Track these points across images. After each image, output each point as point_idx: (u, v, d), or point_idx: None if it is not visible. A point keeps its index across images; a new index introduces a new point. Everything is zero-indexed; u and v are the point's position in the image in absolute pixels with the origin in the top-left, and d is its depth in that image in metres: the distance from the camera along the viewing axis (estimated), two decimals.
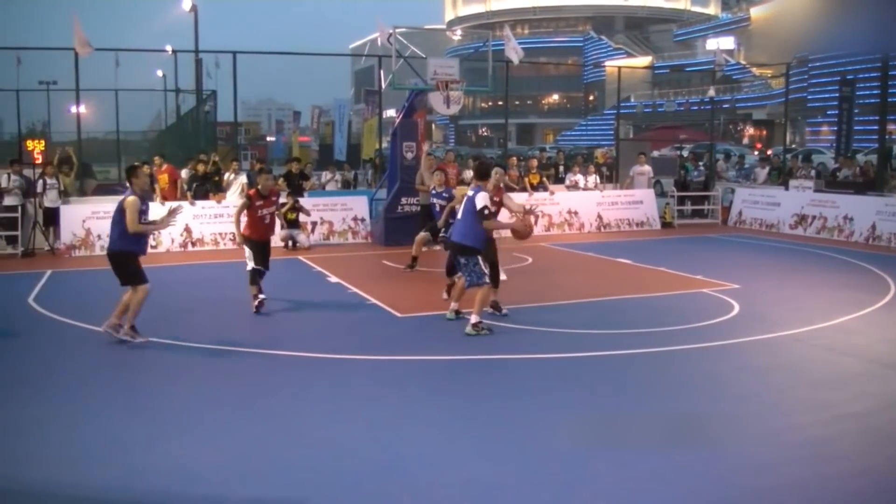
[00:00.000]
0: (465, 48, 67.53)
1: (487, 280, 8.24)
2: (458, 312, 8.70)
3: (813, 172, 20.64)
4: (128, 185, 8.05)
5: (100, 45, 14.87)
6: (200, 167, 15.85)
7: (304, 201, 15.29)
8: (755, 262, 13.26)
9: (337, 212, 15.91)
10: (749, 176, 23.53)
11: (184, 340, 7.86)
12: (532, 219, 8.74)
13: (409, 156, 15.18)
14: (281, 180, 15.02)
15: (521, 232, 8.56)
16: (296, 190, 15.69)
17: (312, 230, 15.45)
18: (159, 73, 41.36)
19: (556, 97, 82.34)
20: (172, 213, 8.04)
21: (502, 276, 9.37)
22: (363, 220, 16.08)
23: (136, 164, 9.44)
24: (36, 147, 14.30)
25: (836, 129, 22.72)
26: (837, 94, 23.17)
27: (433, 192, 11.65)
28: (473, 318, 8.13)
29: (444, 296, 9.47)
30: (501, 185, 8.93)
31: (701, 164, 22.21)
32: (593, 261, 13.65)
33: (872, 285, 10.92)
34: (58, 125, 33.96)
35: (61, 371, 6.99)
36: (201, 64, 26.49)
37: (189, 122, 28.21)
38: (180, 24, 34.56)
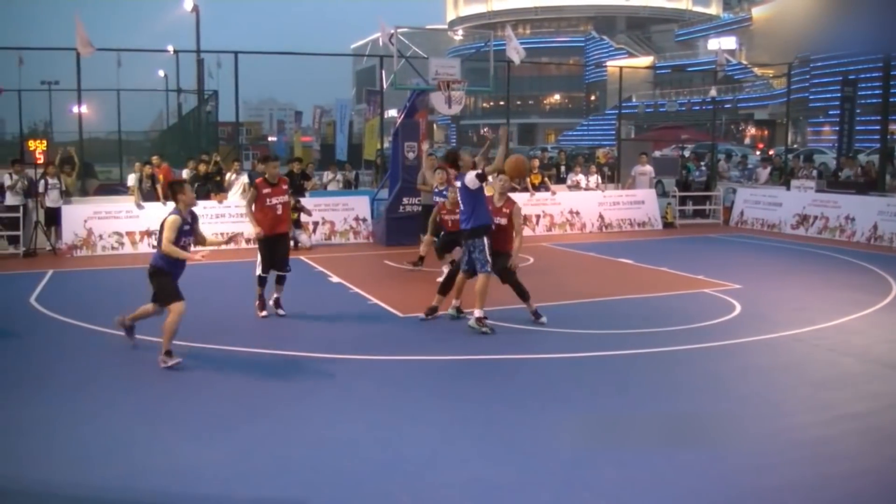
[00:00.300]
0: (466, 48, 67.54)
1: (489, 269, 8.17)
2: (459, 310, 8.69)
3: (814, 172, 20.63)
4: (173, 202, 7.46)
5: (102, 45, 14.89)
6: (202, 167, 15.87)
7: (306, 201, 15.29)
8: (757, 263, 13.25)
9: (338, 212, 15.91)
10: (751, 176, 23.52)
11: (184, 340, 7.85)
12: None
13: (411, 156, 15.18)
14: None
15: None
16: (297, 190, 15.68)
17: (314, 230, 15.46)
18: (161, 73, 41.40)
19: (557, 97, 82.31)
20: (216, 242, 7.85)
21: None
22: (365, 220, 16.09)
23: (181, 179, 8.88)
24: (38, 147, 14.30)
25: (837, 129, 22.69)
26: (839, 94, 23.18)
27: (436, 190, 11.68)
28: (477, 313, 8.13)
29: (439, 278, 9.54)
30: (508, 189, 8.76)
31: (702, 164, 22.21)
32: (595, 261, 13.65)
33: (874, 285, 10.91)
34: (59, 125, 34.08)
35: (62, 371, 6.99)
36: (203, 64, 26.54)
37: (191, 122, 28.24)
38: (182, 24, 34.66)
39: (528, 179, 17.49)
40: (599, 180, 18.89)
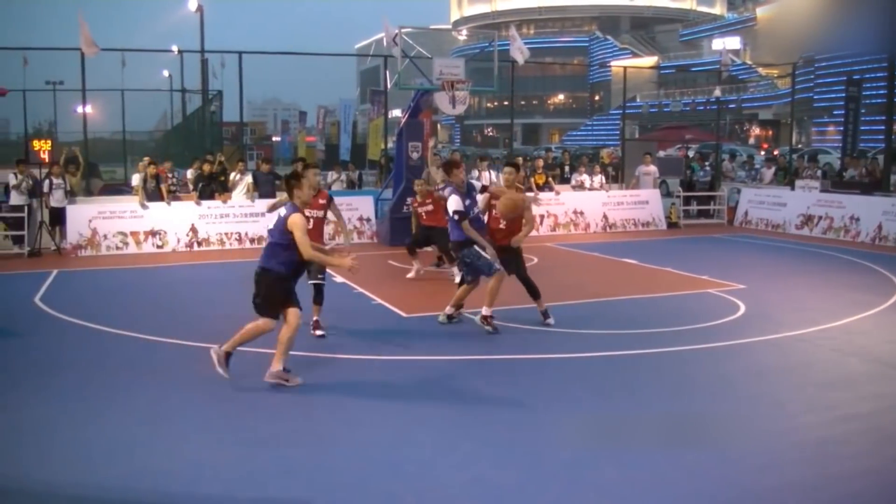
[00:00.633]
0: (470, 48, 67.40)
1: (499, 266, 8.07)
2: (450, 318, 8.59)
3: (819, 173, 20.58)
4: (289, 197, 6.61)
5: (106, 45, 14.92)
6: (206, 167, 15.88)
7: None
8: (761, 263, 13.23)
9: (342, 211, 15.83)
10: (756, 176, 23.48)
11: (188, 340, 7.87)
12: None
13: (415, 156, 15.18)
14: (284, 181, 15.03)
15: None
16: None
17: None
18: (165, 73, 41.46)
19: (561, 97, 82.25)
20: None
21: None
22: (369, 220, 16.10)
23: (300, 169, 7.73)
24: (42, 147, 14.34)
25: (842, 129, 22.63)
26: (844, 94, 23.07)
27: (438, 188, 11.67)
28: (485, 311, 8.11)
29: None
30: (515, 186, 8.68)
31: (707, 164, 22.16)
32: (599, 261, 13.63)
33: (878, 286, 10.88)
34: (64, 125, 34.20)
35: (66, 371, 6.99)
36: (207, 64, 26.58)
37: (195, 122, 28.29)
38: (186, 24, 34.72)
39: (532, 179, 17.50)
40: (603, 180, 18.86)
